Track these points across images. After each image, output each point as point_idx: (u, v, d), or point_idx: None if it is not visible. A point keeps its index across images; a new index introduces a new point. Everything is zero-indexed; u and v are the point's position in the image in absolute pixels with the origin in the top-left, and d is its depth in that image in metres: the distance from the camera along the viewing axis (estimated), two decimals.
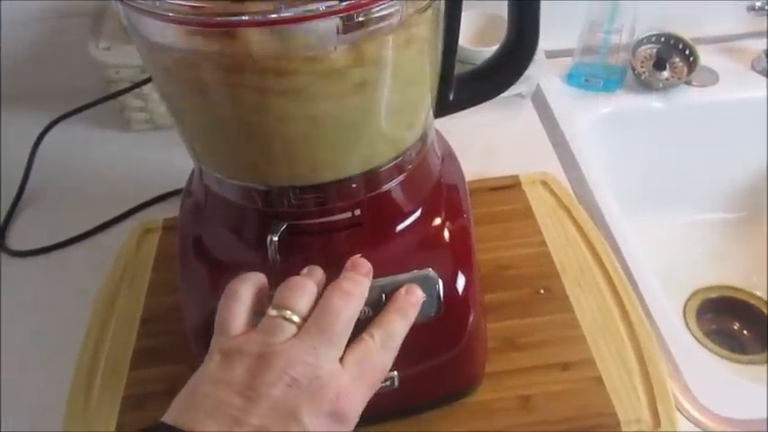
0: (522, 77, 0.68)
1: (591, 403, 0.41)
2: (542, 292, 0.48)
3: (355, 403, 0.30)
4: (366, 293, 0.32)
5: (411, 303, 0.33)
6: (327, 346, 0.30)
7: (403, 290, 0.34)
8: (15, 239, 0.59)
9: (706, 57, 0.70)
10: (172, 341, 0.46)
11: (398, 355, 0.37)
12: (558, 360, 0.44)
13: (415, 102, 0.34)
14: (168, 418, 0.28)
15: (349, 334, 0.31)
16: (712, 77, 0.72)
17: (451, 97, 0.37)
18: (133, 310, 0.49)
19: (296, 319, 0.30)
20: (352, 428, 0.30)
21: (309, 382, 0.29)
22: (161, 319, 0.48)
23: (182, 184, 0.60)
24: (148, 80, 0.63)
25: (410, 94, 0.34)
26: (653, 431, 0.40)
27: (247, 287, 0.32)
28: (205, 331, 0.36)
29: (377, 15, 0.28)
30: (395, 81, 0.31)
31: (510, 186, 0.58)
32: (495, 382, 0.42)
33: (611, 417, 0.40)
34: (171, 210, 0.59)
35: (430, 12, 0.31)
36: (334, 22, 0.28)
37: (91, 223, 0.59)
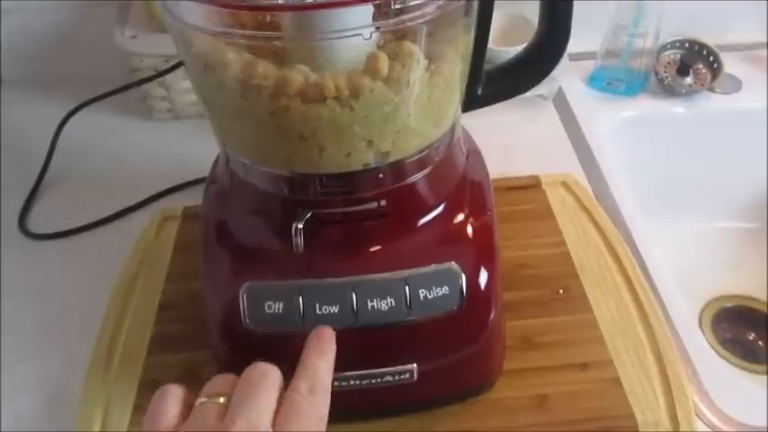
0: (545, 79, 0.68)
1: (609, 404, 0.41)
2: (561, 291, 0.48)
3: None
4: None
5: (324, 340, 0.32)
6: (257, 414, 0.28)
7: (312, 333, 0.32)
8: (35, 223, 0.60)
9: (730, 64, 0.70)
10: (189, 328, 0.46)
11: (417, 347, 0.37)
12: (576, 360, 0.43)
13: (445, 96, 0.34)
14: None
15: (275, 397, 0.29)
16: (735, 85, 0.71)
17: (480, 92, 0.37)
18: (151, 297, 0.50)
19: (222, 400, 0.29)
20: None
21: None
22: (179, 306, 0.48)
23: (201, 174, 0.61)
24: (172, 69, 0.64)
25: (441, 89, 0.33)
26: None
27: (178, 390, 0.31)
28: (226, 317, 0.37)
29: (413, 4, 0.28)
30: (428, 75, 0.31)
31: (530, 186, 0.58)
32: (513, 381, 0.42)
33: (629, 418, 0.40)
34: (190, 199, 0.59)
35: (464, 5, 0.31)
36: (369, 9, 0.28)
37: (110, 209, 0.59)
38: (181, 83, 0.67)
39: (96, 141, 0.68)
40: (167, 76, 0.66)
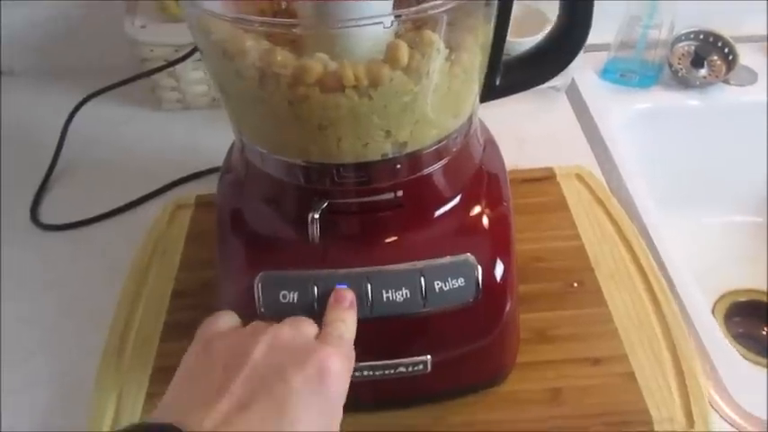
0: None
1: (622, 400, 0.41)
2: (575, 285, 0.48)
3: (340, 364, 0.29)
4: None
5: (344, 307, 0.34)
6: (306, 325, 0.31)
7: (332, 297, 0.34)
8: (46, 214, 0.60)
9: (745, 56, 0.69)
10: (202, 316, 0.46)
11: (432, 338, 0.37)
12: (590, 354, 0.43)
13: (464, 86, 0.34)
14: (158, 414, 0.28)
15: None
16: (751, 77, 0.71)
17: (498, 83, 0.37)
18: (164, 284, 0.50)
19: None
20: (338, 395, 0.29)
21: (291, 342, 0.29)
22: (192, 294, 0.49)
23: (212, 165, 0.61)
24: (182, 59, 0.64)
25: (461, 79, 0.33)
26: (686, 431, 0.39)
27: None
28: (241, 306, 0.37)
29: None
30: (447, 65, 0.31)
31: (544, 178, 0.58)
32: (525, 373, 0.42)
33: (644, 414, 0.40)
34: (201, 189, 0.60)
35: None
36: None
37: (121, 200, 0.60)
38: (191, 73, 0.67)
39: (106, 132, 0.68)
40: (177, 67, 0.66)
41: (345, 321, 0.33)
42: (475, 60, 0.33)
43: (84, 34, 0.73)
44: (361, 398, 0.39)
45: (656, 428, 0.39)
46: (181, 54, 0.63)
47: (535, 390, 0.42)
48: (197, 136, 0.67)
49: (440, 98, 0.32)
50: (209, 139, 0.65)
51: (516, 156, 0.61)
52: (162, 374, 0.44)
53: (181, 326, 0.46)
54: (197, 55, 0.64)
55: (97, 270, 0.54)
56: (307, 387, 0.27)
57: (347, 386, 0.30)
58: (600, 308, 0.46)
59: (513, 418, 0.40)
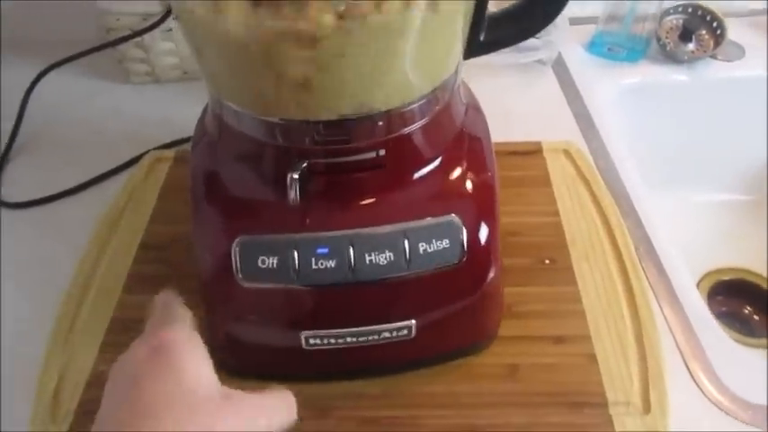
0: (544, 43, 0.70)
1: (580, 380, 0.41)
2: (548, 262, 0.49)
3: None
4: None
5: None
6: None
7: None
8: (6, 191, 0.59)
9: (733, 30, 0.71)
10: (169, 271, 0.48)
11: (416, 302, 0.38)
12: (553, 333, 0.44)
13: (446, 42, 0.35)
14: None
15: None
16: (738, 52, 0.73)
17: (482, 38, 0.38)
18: (134, 236, 0.52)
19: None
20: None
21: None
22: (160, 248, 0.50)
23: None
24: (149, 29, 0.64)
25: (443, 34, 0.34)
26: (641, 417, 0.40)
27: None
28: (218, 272, 0.37)
29: None
30: (429, 20, 0.32)
31: (531, 152, 0.59)
32: (487, 348, 0.43)
33: (599, 396, 0.40)
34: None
35: None
36: None
37: (84, 176, 0.60)
38: (161, 44, 0.67)
39: (70, 105, 0.68)
40: (146, 37, 0.66)
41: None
42: (457, 13, 0.34)
43: (48, 2, 0.72)
44: (341, 366, 0.41)
45: (610, 411, 0.40)
46: (149, 23, 0.63)
47: (495, 365, 0.42)
48: (168, 110, 0.67)
49: (422, 52, 0.33)
50: (180, 113, 0.65)
51: (502, 130, 0.61)
52: (119, 325, 0.45)
53: (144, 278, 0.48)
54: (166, 25, 0.64)
55: (60, 249, 0.53)
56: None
57: None
58: (569, 286, 0.47)
59: (468, 391, 0.41)
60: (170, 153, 0.59)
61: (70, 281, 0.49)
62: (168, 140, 0.62)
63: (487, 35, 0.38)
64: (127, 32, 0.65)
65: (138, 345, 0.30)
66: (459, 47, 0.37)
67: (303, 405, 0.40)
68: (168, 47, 0.67)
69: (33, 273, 0.52)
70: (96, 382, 0.42)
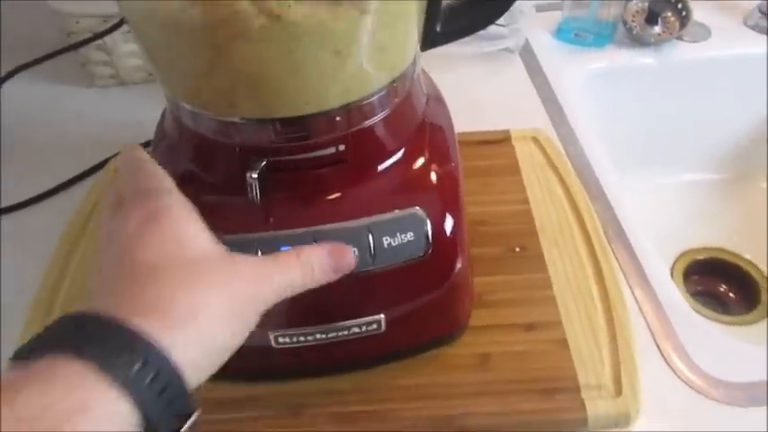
0: (511, 31, 0.70)
1: (552, 366, 0.42)
2: (518, 250, 0.49)
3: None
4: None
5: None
6: None
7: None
8: None
9: (698, 12, 0.72)
10: None
11: (384, 297, 0.38)
12: (524, 320, 0.44)
13: (401, 34, 0.35)
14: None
15: None
16: (704, 33, 0.74)
17: (439, 28, 0.38)
18: None
19: None
20: None
21: None
22: None
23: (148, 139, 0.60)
24: (110, 30, 0.63)
25: (396, 25, 0.34)
26: (613, 399, 0.40)
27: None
28: None
29: None
30: (381, 10, 0.32)
31: (500, 141, 0.59)
32: (458, 338, 0.43)
33: (572, 381, 0.41)
34: None
35: None
36: None
37: (50, 183, 0.59)
38: (123, 45, 0.66)
39: (34, 111, 0.67)
40: (108, 40, 0.65)
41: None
42: (411, 5, 0.34)
43: (7, 5, 0.71)
44: (311, 364, 0.41)
45: (583, 395, 0.40)
46: (109, 25, 0.62)
47: (466, 355, 0.42)
48: (133, 113, 0.66)
49: (376, 45, 0.33)
50: (145, 115, 0.63)
51: (471, 120, 0.62)
52: None
53: None
54: (127, 27, 0.63)
55: (27, 258, 0.52)
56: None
57: None
58: (540, 273, 0.47)
59: (439, 382, 0.41)
60: None
61: (37, 289, 0.48)
62: (136, 141, 0.61)
63: (445, 25, 0.38)
64: (88, 35, 0.64)
65: (128, 213, 0.29)
66: (415, 38, 0.36)
67: (274, 404, 0.41)
68: (131, 48, 0.67)
69: (1, 283, 0.51)
70: None
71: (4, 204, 0.57)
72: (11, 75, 0.63)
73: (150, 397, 0.23)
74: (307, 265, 0.31)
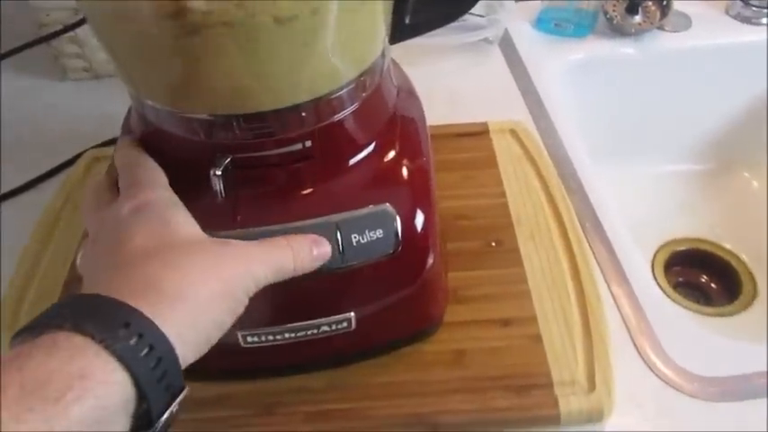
0: (489, 21, 0.69)
1: (526, 362, 0.41)
2: (494, 244, 0.48)
3: None
4: None
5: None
6: None
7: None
8: None
9: (679, 1, 0.71)
10: None
11: (355, 295, 0.38)
12: (499, 316, 0.44)
13: (367, 25, 0.34)
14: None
15: None
16: (685, 22, 0.73)
17: (408, 21, 0.37)
18: (72, 238, 0.50)
19: None
20: None
21: None
22: None
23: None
24: (81, 23, 0.61)
25: (362, 17, 0.33)
26: (586, 395, 0.39)
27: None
28: None
29: None
30: (346, 7, 0.31)
31: (477, 133, 0.58)
32: (433, 335, 0.43)
33: (545, 377, 0.40)
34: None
35: None
36: None
37: (22, 178, 0.58)
38: (95, 38, 0.65)
39: (5, 104, 0.65)
40: (80, 32, 0.63)
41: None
42: None
43: None
44: (280, 362, 0.40)
45: (556, 391, 0.40)
46: (80, 17, 0.61)
47: (441, 351, 0.42)
48: (108, 106, 0.64)
49: (342, 39, 0.32)
50: (119, 109, 0.61)
51: (450, 112, 0.61)
52: None
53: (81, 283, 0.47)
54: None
55: None
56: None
57: None
58: (515, 268, 0.47)
59: (414, 379, 0.41)
60: (108, 151, 0.57)
61: (7, 288, 0.47)
62: (107, 138, 0.60)
63: (413, 17, 0.37)
64: (59, 27, 0.62)
65: (121, 203, 0.31)
66: (382, 30, 0.36)
67: (247, 403, 0.40)
68: None
69: None
70: None
71: None
72: None
73: (144, 370, 0.24)
74: (297, 249, 0.32)
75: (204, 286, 0.27)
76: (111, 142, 0.60)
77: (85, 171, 0.56)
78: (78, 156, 0.58)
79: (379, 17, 0.34)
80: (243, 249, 0.30)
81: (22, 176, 0.58)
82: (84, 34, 0.64)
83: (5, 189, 0.57)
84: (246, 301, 0.29)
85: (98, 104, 0.65)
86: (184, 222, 0.31)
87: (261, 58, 0.30)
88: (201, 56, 0.30)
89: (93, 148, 0.59)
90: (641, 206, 0.73)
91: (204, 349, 0.27)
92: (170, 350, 0.25)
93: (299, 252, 0.32)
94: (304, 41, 0.31)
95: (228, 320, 0.28)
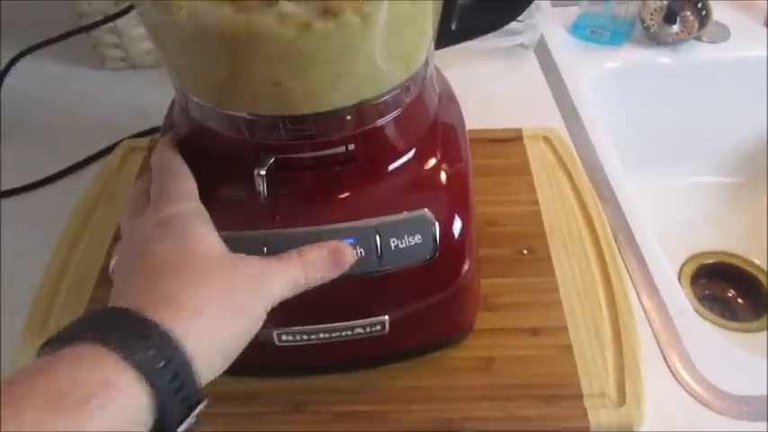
0: (526, 26, 0.68)
1: (555, 372, 0.41)
2: (526, 252, 0.48)
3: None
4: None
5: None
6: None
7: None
8: None
9: (718, 11, 0.70)
10: None
11: (389, 298, 0.38)
12: (530, 324, 0.43)
13: (415, 32, 0.34)
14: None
15: None
16: (723, 33, 0.72)
17: (454, 27, 0.37)
18: (108, 228, 0.51)
19: None
20: None
21: None
22: None
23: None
24: (121, 14, 0.62)
25: (411, 24, 0.33)
26: (615, 409, 0.39)
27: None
28: None
29: None
30: (395, 9, 0.31)
31: (511, 139, 0.58)
32: (462, 341, 0.43)
33: (575, 387, 0.40)
34: None
35: None
36: None
37: (59, 165, 0.58)
38: (135, 29, 0.65)
39: (44, 92, 0.66)
40: (119, 23, 0.64)
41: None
42: (426, 4, 0.33)
43: None
44: (312, 361, 0.41)
45: (585, 403, 0.39)
46: (120, 8, 0.61)
47: (470, 358, 0.42)
48: (143, 96, 0.65)
49: (391, 44, 0.32)
50: (155, 100, 0.62)
51: (484, 116, 0.61)
52: None
53: None
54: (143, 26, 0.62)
55: (35, 241, 0.52)
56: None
57: None
58: (547, 276, 0.46)
59: (442, 384, 0.41)
60: (144, 142, 0.58)
61: (43, 274, 0.48)
62: (143, 128, 0.61)
63: (459, 24, 0.37)
64: (99, 17, 0.63)
65: (149, 215, 0.32)
66: (430, 36, 0.36)
67: (276, 400, 0.40)
68: (142, 32, 0.66)
69: (7, 265, 0.51)
70: None
71: (14, 185, 0.57)
72: (18, 58, 0.62)
73: (163, 382, 0.24)
74: (308, 264, 0.32)
75: (219, 301, 0.28)
76: (147, 133, 0.61)
77: (122, 161, 0.57)
78: (115, 145, 0.59)
79: (428, 22, 0.34)
80: (259, 266, 0.31)
81: (58, 163, 0.58)
82: (124, 25, 0.64)
83: (44, 175, 0.57)
84: (264, 317, 0.30)
85: (135, 94, 0.66)
86: (207, 236, 0.31)
87: (310, 64, 0.30)
88: (257, 64, 0.30)
89: (129, 138, 0.60)
90: (670, 217, 0.72)
91: (223, 365, 0.28)
92: (187, 363, 0.25)
93: (311, 266, 0.32)
94: (354, 46, 0.31)
95: (246, 337, 0.29)
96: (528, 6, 0.37)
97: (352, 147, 0.35)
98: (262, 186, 0.34)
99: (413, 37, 0.34)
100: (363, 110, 0.34)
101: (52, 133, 0.62)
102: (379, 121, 0.35)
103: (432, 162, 0.38)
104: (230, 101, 0.34)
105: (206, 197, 0.37)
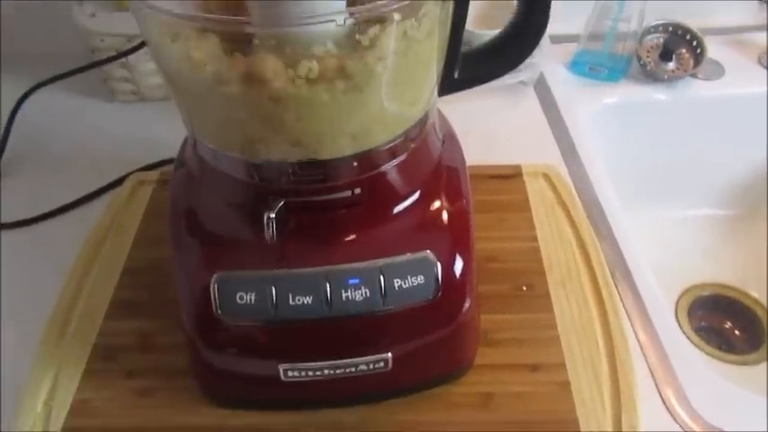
0: (526, 64, 0.70)
1: (554, 408, 0.42)
2: (524, 288, 0.49)
3: None
4: None
5: None
6: None
7: None
8: None
9: (713, 49, 0.72)
10: (150, 295, 0.48)
11: (393, 336, 0.39)
12: (528, 361, 0.44)
13: (420, 80, 0.36)
14: None
15: None
16: (718, 71, 0.74)
17: (456, 75, 0.38)
18: (117, 260, 0.52)
19: None
20: None
21: None
22: (143, 272, 0.51)
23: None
24: (133, 50, 0.64)
25: (416, 73, 0.35)
26: None
27: None
28: (197, 306, 0.38)
29: None
30: (401, 60, 0.32)
31: (511, 176, 0.59)
32: (463, 376, 0.43)
33: (573, 424, 0.41)
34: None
35: None
36: None
37: (69, 196, 0.60)
38: (145, 64, 0.67)
39: (56, 124, 0.68)
40: (130, 57, 0.66)
41: None
42: (431, 55, 0.34)
43: (34, 20, 0.72)
44: (318, 397, 0.41)
45: None
46: (133, 44, 0.63)
47: (469, 393, 0.43)
48: (153, 129, 0.67)
49: (395, 95, 0.34)
50: (167, 132, 0.65)
51: (484, 152, 0.62)
52: (101, 352, 0.46)
53: (125, 304, 0.49)
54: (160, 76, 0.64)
55: (44, 271, 0.53)
56: None
57: None
58: (546, 313, 0.47)
59: (440, 420, 0.41)
60: (153, 175, 0.59)
61: (54, 305, 0.49)
62: (152, 161, 0.62)
63: (462, 72, 0.38)
64: (111, 53, 0.65)
65: None
66: (433, 84, 0.37)
67: None
68: (153, 67, 0.68)
69: (17, 295, 0.52)
70: (78, 411, 0.42)
71: (25, 216, 0.58)
72: (30, 92, 0.65)
73: None
74: None
75: None
76: (156, 165, 0.62)
77: (131, 194, 0.58)
78: (124, 177, 0.60)
79: (431, 74, 0.36)
80: None
81: (68, 194, 0.60)
82: (135, 60, 0.66)
83: (54, 207, 0.59)
84: None
85: (144, 127, 0.67)
86: None
87: (319, 118, 0.32)
88: (270, 115, 0.31)
89: (137, 170, 0.61)
90: (667, 249, 0.73)
91: None
92: None
93: None
94: (358, 100, 0.32)
95: None
96: (529, 56, 0.38)
97: (358, 191, 0.36)
98: (271, 229, 0.35)
99: (418, 88, 0.35)
100: (370, 156, 0.36)
101: (63, 165, 0.64)
102: (384, 167, 0.37)
103: (435, 205, 0.39)
104: (238, 147, 0.35)
105: (215, 236, 0.39)
